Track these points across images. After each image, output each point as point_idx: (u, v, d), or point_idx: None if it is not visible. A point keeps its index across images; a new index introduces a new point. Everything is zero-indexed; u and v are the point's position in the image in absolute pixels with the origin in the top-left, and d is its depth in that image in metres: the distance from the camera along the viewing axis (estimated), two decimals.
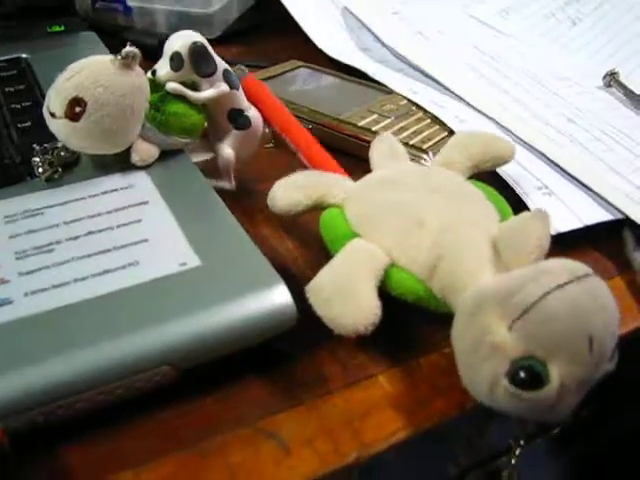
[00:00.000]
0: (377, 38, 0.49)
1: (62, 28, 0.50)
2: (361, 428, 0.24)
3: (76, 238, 0.28)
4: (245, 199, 0.35)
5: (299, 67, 0.48)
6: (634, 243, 0.32)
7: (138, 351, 0.23)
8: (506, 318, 0.22)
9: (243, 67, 0.41)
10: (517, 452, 0.27)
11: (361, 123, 0.39)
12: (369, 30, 0.50)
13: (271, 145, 0.40)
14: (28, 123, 0.37)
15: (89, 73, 0.30)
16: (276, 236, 0.33)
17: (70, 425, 0.23)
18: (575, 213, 0.33)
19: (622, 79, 0.45)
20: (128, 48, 0.30)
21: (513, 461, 0.27)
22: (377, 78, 0.45)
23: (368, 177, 0.30)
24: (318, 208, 0.30)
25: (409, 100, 0.42)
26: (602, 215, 0.33)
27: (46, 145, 0.32)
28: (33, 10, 0.50)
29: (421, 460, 0.27)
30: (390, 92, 0.43)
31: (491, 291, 0.23)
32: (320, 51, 0.50)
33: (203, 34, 0.51)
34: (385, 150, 0.32)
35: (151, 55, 0.53)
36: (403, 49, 0.47)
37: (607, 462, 0.36)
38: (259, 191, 0.35)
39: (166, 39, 0.50)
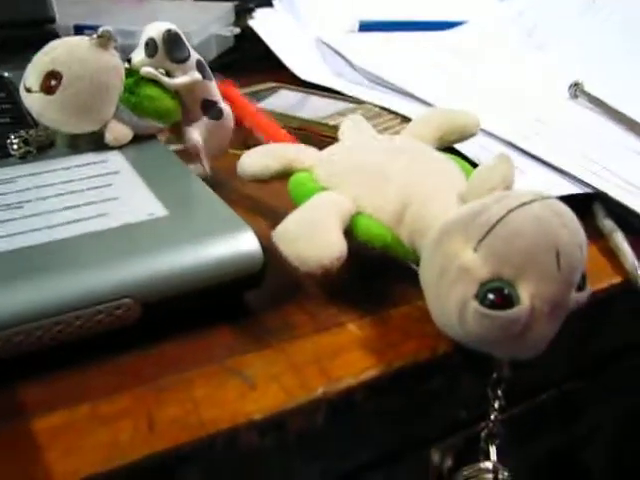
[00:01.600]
0: (350, 63, 0.51)
1: None
2: (329, 366, 0.24)
3: (46, 198, 0.28)
4: (219, 189, 0.35)
5: (277, 88, 0.49)
6: (603, 213, 0.33)
7: (99, 282, 0.23)
8: (471, 240, 0.22)
9: (219, 75, 0.43)
10: (495, 405, 0.26)
11: (333, 123, 0.40)
12: (342, 57, 0.51)
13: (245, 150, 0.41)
14: (7, 119, 0.37)
15: (66, 49, 0.31)
16: (250, 218, 0.33)
17: (30, 361, 0.22)
18: (545, 188, 0.33)
19: (586, 89, 0.46)
20: (104, 28, 0.31)
21: (492, 417, 0.26)
22: (351, 94, 0.47)
23: (335, 145, 0.31)
24: (287, 174, 0.30)
25: (381, 107, 0.43)
26: (572, 189, 0.33)
27: (22, 130, 0.32)
28: (18, 41, 0.52)
29: (396, 416, 0.26)
30: (362, 102, 0.45)
31: (455, 218, 0.23)
32: (300, 83, 0.52)
33: None
34: (351, 126, 0.33)
35: None
36: (377, 69, 0.49)
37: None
38: (234, 185, 0.35)
39: None
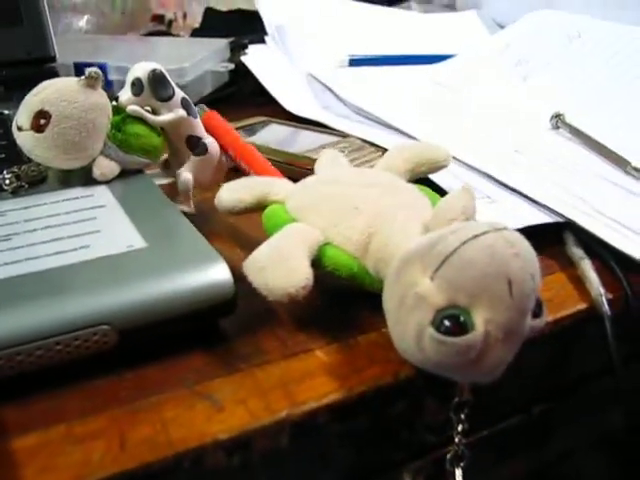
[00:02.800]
0: (338, 97, 0.52)
1: None
2: (295, 390, 0.25)
3: (33, 231, 0.29)
4: (203, 222, 0.36)
5: (265, 122, 0.51)
6: (573, 241, 0.34)
7: (78, 309, 0.24)
8: (428, 270, 0.23)
9: (203, 106, 0.44)
10: (459, 429, 0.27)
11: (315, 157, 0.41)
12: (331, 91, 0.53)
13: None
14: (2, 155, 0.39)
15: (55, 89, 0.32)
16: (229, 249, 0.35)
17: (10, 383, 0.23)
18: (516, 217, 0.34)
19: (567, 120, 0.48)
20: (92, 69, 0.33)
21: (456, 440, 0.27)
22: (337, 127, 0.48)
23: (309, 178, 0.32)
24: (261, 206, 0.31)
25: (363, 140, 0.45)
26: (543, 218, 0.35)
27: (15, 166, 0.34)
28: (20, 79, 0.54)
29: (361, 440, 0.27)
30: (346, 135, 0.46)
31: (414, 248, 0.24)
32: (290, 118, 0.53)
33: None
34: (327, 159, 0.34)
35: None
36: (363, 102, 0.50)
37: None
38: (218, 218, 0.36)
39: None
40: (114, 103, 0.35)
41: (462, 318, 0.22)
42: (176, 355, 0.26)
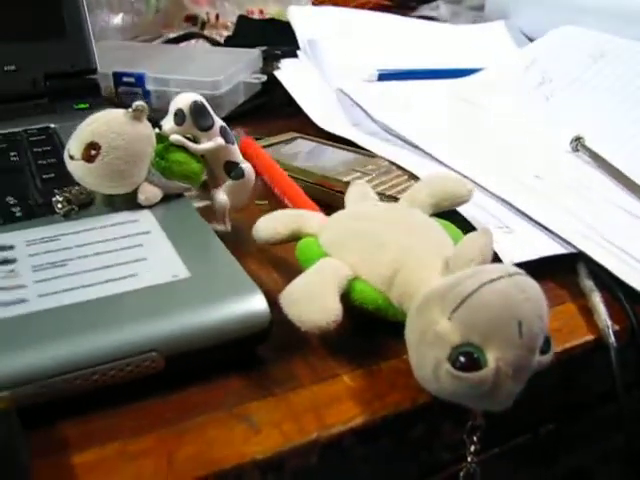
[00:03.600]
0: (367, 113, 0.55)
1: (86, 105, 0.56)
2: (324, 414, 0.27)
3: (85, 257, 0.32)
4: (238, 244, 0.39)
5: (295, 138, 0.53)
6: (585, 272, 0.36)
7: (129, 337, 0.27)
8: (446, 310, 0.26)
9: (241, 131, 0.47)
10: (472, 449, 0.29)
11: (345, 179, 0.44)
12: (360, 107, 0.55)
13: (266, 203, 0.45)
14: (52, 175, 0.42)
15: (104, 122, 0.35)
16: (264, 271, 0.37)
17: (69, 403, 0.26)
18: (532, 247, 0.37)
19: (587, 143, 0.49)
20: (138, 102, 0.35)
21: (469, 459, 0.29)
22: (365, 146, 0.50)
23: (339, 212, 0.35)
24: (295, 238, 0.34)
25: (390, 161, 0.47)
26: (557, 249, 0.37)
27: (65, 188, 0.37)
28: (63, 90, 0.57)
29: (383, 458, 0.29)
30: (374, 156, 0.48)
31: (434, 289, 0.27)
32: (318, 129, 0.56)
33: None
34: (357, 193, 0.37)
35: None
36: (391, 121, 0.53)
37: None
38: (251, 238, 0.39)
39: None
40: (157, 131, 0.38)
41: (476, 355, 0.25)
42: (216, 379, 0.29)
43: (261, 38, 0.73)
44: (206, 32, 0.93)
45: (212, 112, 0.38)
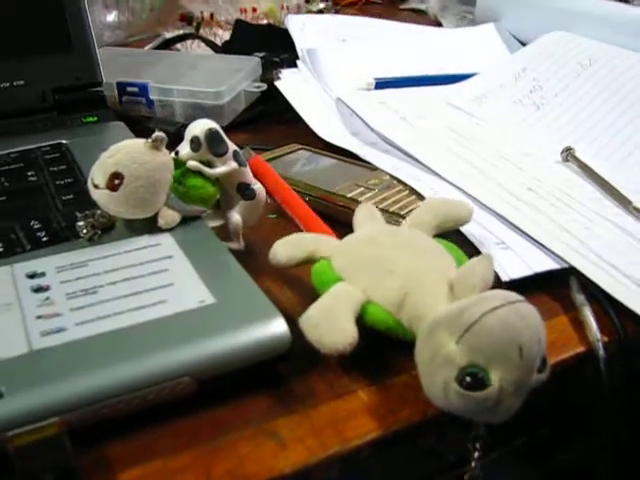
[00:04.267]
0: (366, 124, 0.57)
1: (95, 119, 0.58)
2: (343, 429, 0.30)
3: (114, 283, 0.34)
4: (252, 260, 0.42)
5: (298, 149, 0.55)
6: (577, 286, 0.39)
7: (164, 364, 0.29)
8: (454, 335, 0.28)
9: (250, 150, 0.49)
10: (475, 456, 0.32)
11: (350, 195, 0.46)
12: (359, 117, 0.58)
13: (274, 216, 0.47)
14: (71, 196, 0.44)
15: (127, 152, 0.37)
16: (278, 288, 0.40)
17: (112, 424, 0.29)
18: (527, 263, 0.39)
19: (577, 154, 0.52)
20: (157, 133, 0.38)
21: (473, 464, 0.32)
22: (365, 158, 0.53)
23: (350, 236, 0.37)
24: (310, 261, 0.36)
25: (391, 175, 0.49)
26: (550, 264, 0.40)
27: (87, 212, 0.39)
28: (70, 104, 0.58)
29: (394, 464, 0.32)
30: (375, 169, 0.51)
31: (443, 315, 0.30)
32: (317, 136, 0.58)
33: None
34: (365, 214, 0.39)
35: (171, 141, 0.62)
36: (388, 132, 0.55)
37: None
38: (264, 252, 0.41)
39: (183, 127, 0.59)
40: (173, 155, 0.40)
41: (481, 375, 0.28)
42: (242, 397, 0.31)
43: (259, 44, 0.75)
44: (202, 32, 0.95)
45: (225, 137, 0.40)
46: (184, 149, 0.40)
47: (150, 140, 0.38)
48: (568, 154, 0.52)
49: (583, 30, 0.67)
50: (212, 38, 0.94)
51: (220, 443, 0.29)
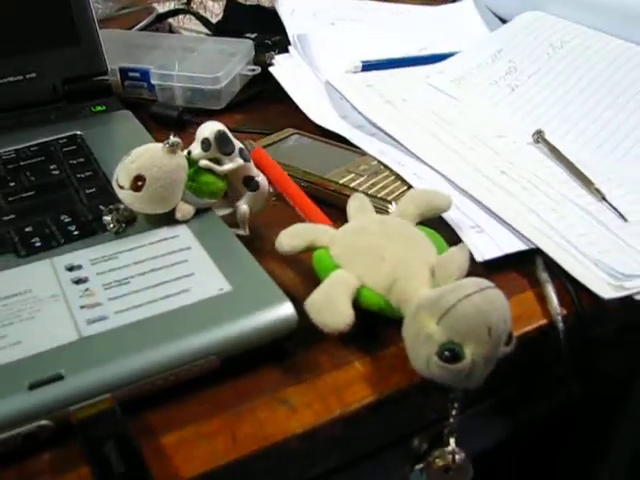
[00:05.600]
0: (354, 107, 0.62)
1: (103, 108, 0.62)
2: (343, 395, 0.36)
3: (143, 274, 0.40)
4: (257, 241, 0.47)
5: (292, 134, 0.60)
6: (542, 266, 0.45)
7: (195, 346, 0.35)
8: (434, 317, 0.34)
9: (252, 142, 0.54)
10: (453, 413, 0.39)
11: (341, 181, 0.52)
12: (347, 100, 0.62)
13: (274, 200, 0.52)
14: (93, 189, 0.49)
15: (148, 157, 0.42)
16: (280, 268, 0.45)
17: (150, 398, 0.35)
18: (498, 245, 0.45)
19: (547, 136, 0.58)
20: (173, 139, 0.43)
21: (451, 420, 0.39)
22: (354, 141, 0.58)
23: (345, 227, 0.43)
24: (311, 249, 0.42)
25: (378, 161, 0.55)
26: (519, 245, 0.45)
27: (111, 207, 0.44)
28: (78, 93, 0.63)
29: (386, 421, 0.39)
30: (364, 154, 0.56)
31: (425, 300, 0.35)
32: (308, 117, 0.63)
33: (212, 105, 0.64)
34: (357, 206, 0.45)
35: (172, 124, 0.67)
36: (374, 116, 0.60)
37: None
38: (267, 235, 0.47)
39: (184, 111, 0.64)
40: (186, 154, 0.45)
41: (457, 350, 0.34)
42: (257, 370, 0.37)
43: (250, 24, 0.79)
44: (192, 4, 0.98)
45: (232, 137, 0.45)
46: (195, 149, 0.45)
47: (167, 145, 0.43)
48: (539, 136, 0.58)
49: (559, 10, 0.71)
50: (202, 11, 0.97)
51: (241, 410, 0.35)
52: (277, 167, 0.51)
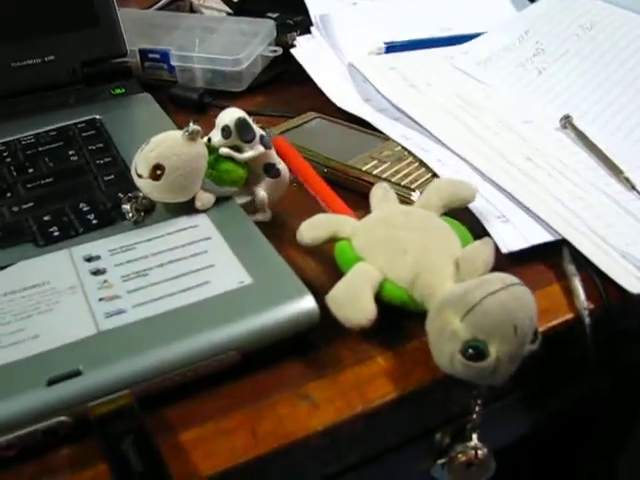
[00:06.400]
0: (377, 90, 0.60)
1: (123, 91, 0.61)
2: (365, 391, 0.36)
3: (162, 265, 0.39)
4: (278, 229, 0.46)
5: (314, 118, 0.59)
6: (569, 258, 0.43)
7: (214, 341, 0.34)
8: (459, 313, 0.33)
9: (273, 129, 0.53)
10: (477, 409, 0.38)
11: (364, 168, 0.51)
12: (370, 84, 0.61)
13: (295, 185, 0.52)
14: (112, 176, 0.48)
15: (167, 146, 0.41)
16: (302, 258, 0.45)
17: (169, 394, 0.34)
18: (524, 235, 0.44)
19: (575, 122, 0.56)
20: (193, 127, 0.42)
21: (474, 416, 0.38)
22: (376, 126, 0.57)
23: (368, 217, 0.42)
24: (333, 240, 0.41)
25: (402, 146, 0.53)
26: (545, 236, 0.44)
27: (130, 195, 0.43)
28: (98, 76, 0.62)
29: (412, 415, 0.38)
30: (387, 139, 0.55)
31: (450, 295, 0.34)
32: (330, 99, 0.62)
33: (233, 87, 0.63)
34: (380, 196, 0.44)
35: (192, 106, 0.66)
36: (398, 100, 0.59)
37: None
38: (288, 223, 0.46)
39: (204, 93, 0.63)
40: (206, 141, 0.44)
41: (481, 348, 0.33)
42: (278, 365, 0.37)
43: (272, 3, 0.78)
44: None
45: (253, 124, 0.44)
46: (215, 136, 0.44)
47: (187, 133, 0.42)
48: (566, 122, 0.56)
49: None
50: None
51: (262, 405, 0.35)
52: (299, 157, 0.50)
